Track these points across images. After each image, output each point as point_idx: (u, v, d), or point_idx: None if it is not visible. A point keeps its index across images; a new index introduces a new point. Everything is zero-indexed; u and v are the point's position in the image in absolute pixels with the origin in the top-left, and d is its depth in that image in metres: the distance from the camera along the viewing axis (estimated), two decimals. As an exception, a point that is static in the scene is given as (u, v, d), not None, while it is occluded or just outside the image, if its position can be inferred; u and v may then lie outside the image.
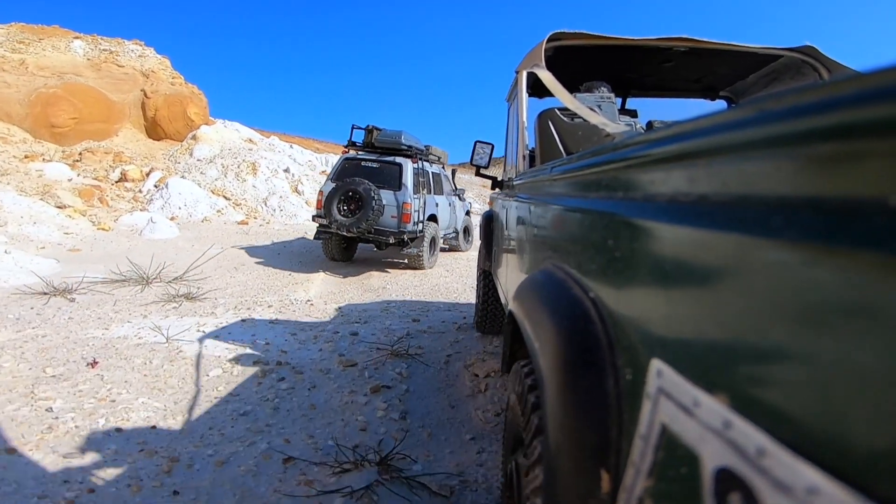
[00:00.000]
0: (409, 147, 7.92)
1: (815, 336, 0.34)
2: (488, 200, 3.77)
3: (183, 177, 12.75)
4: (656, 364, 0.53)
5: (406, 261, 7.97)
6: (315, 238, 7.61)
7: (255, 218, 11.77)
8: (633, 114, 3.33)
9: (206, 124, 16.04)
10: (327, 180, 7.56)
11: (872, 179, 0.32)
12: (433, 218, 8.16)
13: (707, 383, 0.44)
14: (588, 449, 0.67)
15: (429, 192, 8.06)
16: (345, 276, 6.87)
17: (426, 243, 7.71)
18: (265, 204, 12.63)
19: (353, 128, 8.26)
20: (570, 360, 0.74)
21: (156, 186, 11.76)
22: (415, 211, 7.42)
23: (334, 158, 16.22)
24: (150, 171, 12.44)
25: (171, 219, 10.14)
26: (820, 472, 0.31)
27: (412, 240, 7.54)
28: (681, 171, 0.58)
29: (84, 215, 9.16)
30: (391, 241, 7.26)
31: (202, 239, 8.82)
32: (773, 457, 0.35)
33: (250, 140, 16.22)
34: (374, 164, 7.56)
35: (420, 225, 7.62)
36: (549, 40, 2.41)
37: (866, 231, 0.31)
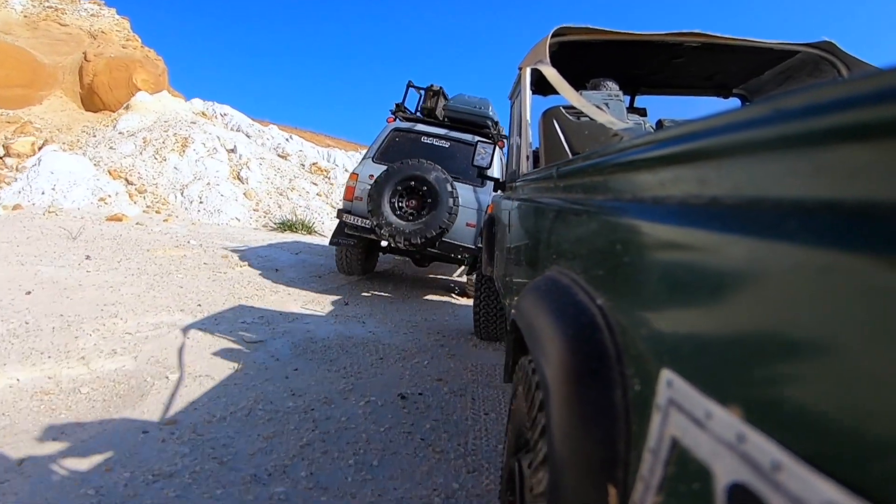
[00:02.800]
0: (496, 124, 5.84)
1: (834, 345, 0.34)
2: (490, 203, 3.79)
3: (84, 153, 10.30)
4: (666, 374, 0.53)
5: (464, 282, 5.87)
6: (332, 243, 5.54)
7: (158, 212, 9.16)
8: (643, 112, 3.35)
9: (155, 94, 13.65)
10: (365, 159, 5.48)
11: (893, 181, 0.32)
12: None
13: (720, 395, 0.44)
14: (594, 462, 0.67)
15: None
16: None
17: None
18: (181, 193, 9.92)
19: (408, 86, 6.17)
20: (576, 370, 0.74)
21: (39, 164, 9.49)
22: None
23: (340, 154, 14.97)
24: (42, 145, 10.15)
25: (14, 208, 7.83)
26: (838, 487, 0.31)
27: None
28: (692, 173, 0.58)
29: None
30: (465, 260, 5.28)
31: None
32: (789, 471, 0.35)
33: (203, 114, 13.96)
34: (443, 143, 5.39)
35: None
36: (553, 35, 2.43)
37: (886, 235, 0.31)
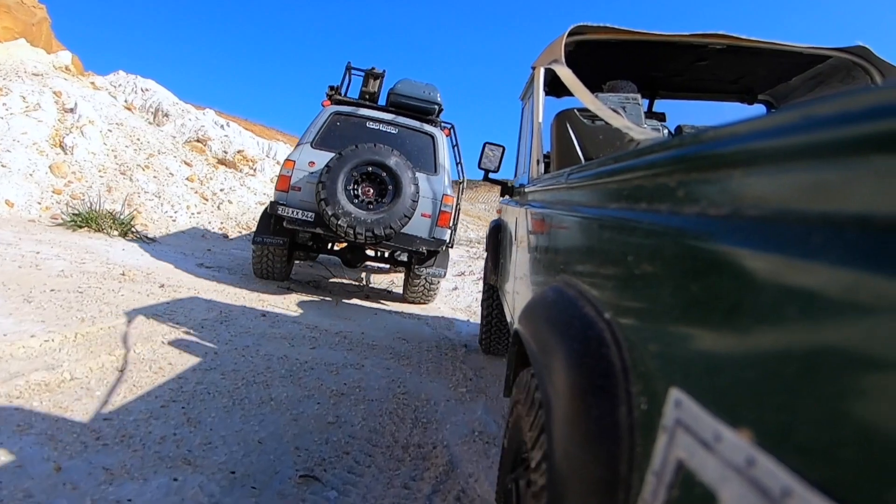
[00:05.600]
0: (441, 111, 5.81)
1: (854, 370, 0.34)
2: (497, 208, 3.79)
3: None
4: (675, 394, 0.54)
5: (407, 291, 5.67)
6: (256, 243, 5.09)
7: None
8: (661, 117, 3.36)
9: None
10: (302, 145, 5.15)
11: None
12: None
13: (731, 417, 0.45)
14: (595, 483, 0.67)
15: None
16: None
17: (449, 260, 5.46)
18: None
19: (347, 68, 5.90)
20: (580, 387, 0.75)
21: None
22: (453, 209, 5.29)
23: (283, 148, 13.49)
24: None
25: None
26: None
27: (433, 254, 5.25)
28: (711, 182, 0.59)
29: None
30: (423, 252, 5.08)
31: None
32: (799, 498, 0.35)
33: (67, 68, 11.81)
34: (390, 129, 5.28)
35: (452, 232, 5.46)
36: (569, 34, 2.43)
37: None
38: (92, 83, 12.25)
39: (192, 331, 3.44)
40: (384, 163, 4.71)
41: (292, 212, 4.80)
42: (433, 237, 5.03)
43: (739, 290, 0.47)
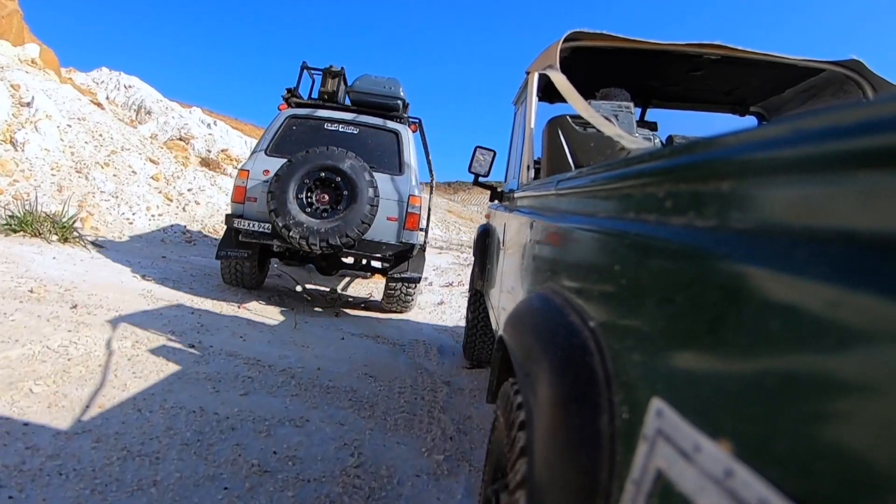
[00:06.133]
0: (406, 106, 5.68)
1: (835, 388, 0.34)
2: (485, 213, 3.79)
3: None
4: (656, 403, 0.54)
5: (384, 300, 5.33)
6: (220, 258, 4.90)
7: None
8: (653, 126, 3.39)
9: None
10: (256, 153, 4.99)
11: None
12: None
13: (710, 428, 0.45)
14: (574, 491, 0.68)
15: None
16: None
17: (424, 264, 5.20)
18: None
19: (302, 68, 5.80)
20: (562, 395, 0.75)
21: None
22: (423, 210, 5.07)
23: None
24: None
25: None
26: None
27: (405, 258, 4.93)
28: (700, 194, 0.59)
29: None
30: (390, 258, 4.84)
31: None
32: None
33: (33, 62, 11.21)
34: (350, 129, 5.09)
35: (424, 234, 5.25)
36: (565, 40, 2.44)
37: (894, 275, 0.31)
38: (70, 79, 11.97)
39: (80, 373, 2.62)
40: (337, 167, 4.50)
41: (249, 224, 4.64)
42: (401, 241, 4.79)
43: (724, 302, 0.47)
